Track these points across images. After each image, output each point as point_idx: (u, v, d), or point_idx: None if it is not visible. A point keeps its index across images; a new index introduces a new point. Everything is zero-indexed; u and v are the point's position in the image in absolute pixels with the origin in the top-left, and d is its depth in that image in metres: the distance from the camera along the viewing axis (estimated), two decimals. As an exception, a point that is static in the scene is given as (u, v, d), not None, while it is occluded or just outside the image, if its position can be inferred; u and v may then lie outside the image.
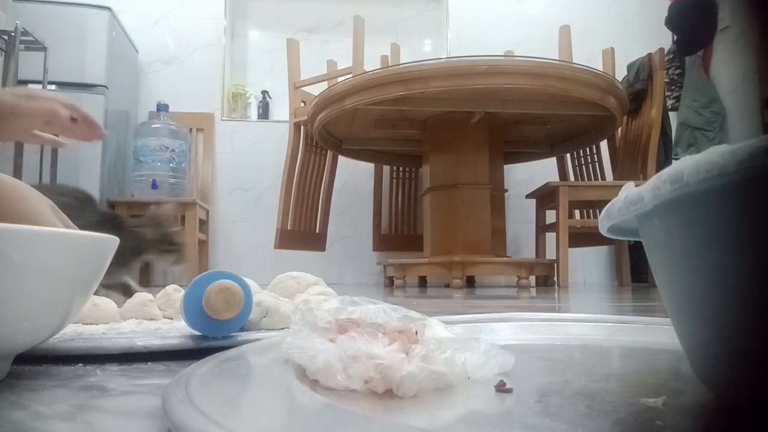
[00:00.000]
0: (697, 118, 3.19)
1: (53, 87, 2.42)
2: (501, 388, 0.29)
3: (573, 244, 2.41)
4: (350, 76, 2.28)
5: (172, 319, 0.63)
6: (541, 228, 2.81)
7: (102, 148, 2.61)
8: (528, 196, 2.82)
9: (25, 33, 2.08)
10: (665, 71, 2.85)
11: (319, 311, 0.35)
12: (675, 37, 3.36)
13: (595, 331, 0.49)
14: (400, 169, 3.12)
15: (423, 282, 2.88)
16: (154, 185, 2.77)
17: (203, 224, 3.00)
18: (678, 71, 3.39)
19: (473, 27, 3.48)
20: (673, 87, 3.39)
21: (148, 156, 2.79)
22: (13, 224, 0.29)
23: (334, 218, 3.01)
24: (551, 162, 2.97)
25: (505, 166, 2.60)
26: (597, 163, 2.82)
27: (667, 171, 0.21)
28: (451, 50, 3.45)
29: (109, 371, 0.39)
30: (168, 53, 3.26)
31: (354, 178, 3.24)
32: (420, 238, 2.71)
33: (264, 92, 3.38)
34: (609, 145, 2.82)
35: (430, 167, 2.46)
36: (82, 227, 1.15)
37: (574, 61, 2.46)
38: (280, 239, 2.62)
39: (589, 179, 2.80)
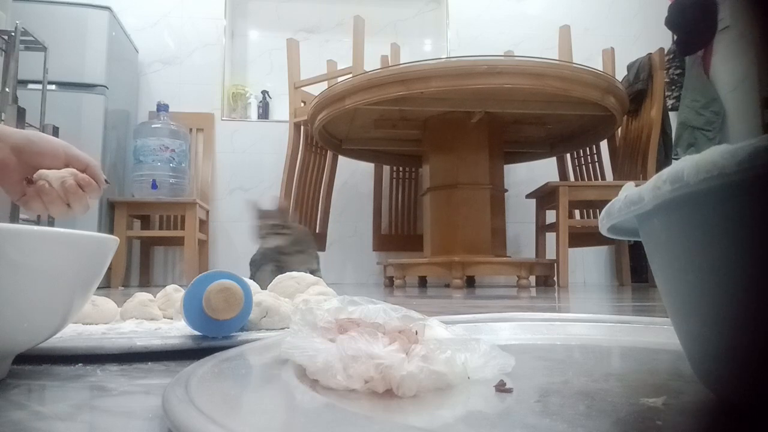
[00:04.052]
0: (697, 118, 3.19)
1: (53, 87, 2.41)
2: (501, 387, 0.29)
3: (573, 244, 2.41)
4: (350, 76, 2.28)
5: (172, 319, 0.63)
6: (541, 228, 2.81)
7: (102, 148, 2.61)
8: (528, 196, 2.82)
9: (25, 33, 2.08)
10: (665, 71, 2.85)
11: (319, 311, 0.35)
12: (675, 37, 3.36)
13: (595, 331, 0.49)
14: (400, 169, 3.12)
15: (423, 282, 2.88)
16: (154, 185, 2.77)
17: (203, 224, 3.00)
18: (678, 71, 3.38)
19: (473, 27, 3.48)
20: (673, 87, 3.39)
21: (148, 156, 2.79)
22: (13, 224, 0.29)
23: (334, 218, 3.01)
24: (551, 162, 2.97)
25: (505, 166, 2.60)
26: (597, 163, 2.82)
27: (667, 171, 0.21)
28: (451, 50, 3.45)
29: (109, 371, 0.39)
30: (168, 53, 3.26)
31: (354, 178, 3.24)
32: (420, 238, 2.71)
33: (264, 92, 3.37)
34: (609, 145, 2.81)
35: (430, 167, 2.46)
36: None
37: (574, 61, 2.46)
38: (280, 239, 2.62)
39: (589, 179, 2.80)
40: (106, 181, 0.65)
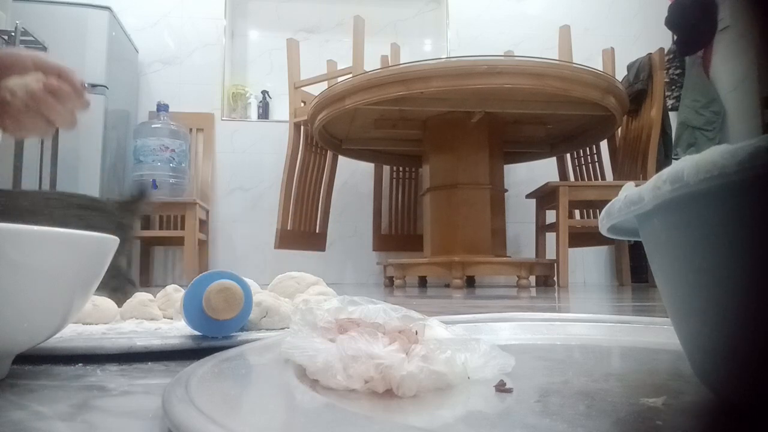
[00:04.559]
0: (697, 118, 3.19)
1: (53, 87, 2.41)
2: (501, 387, 0.29)
3: (573, 244, 2.41)
4: (350, 76, 2.28)
5: (172, 319, 0.63)
6: (541, 228, 2.81)
7: (102, 148, 2.61)
8: (528, 196, 2.82)
9: (25, 33, 2.08)
10: (665, 71, 2.85)
11: (319, 311, 0.35)
12: (675, 37, 3.36)
13: (595, 331, 0.49)
14: (400, 169, 3.12)
15: (423, 282, 2.88)
16: (154, 185, 2.77)
17: (203, 224, 3.00)
18: (678, 71, 3.39)
19: (473, 27, 3.48)
20: (673, 87, 3.39)
21: (148, 156, 2.79)
22: (13, 224, 0.29)
23: (334, 218, 3.01)
24: (551, 162, 2.97)
25: (505, 166, 2.60)
26: (597, 163, 2.82)
27: (667, 171, 0.21)
28: (451, 50, 3.45)
29: (109, 371, 0.39)
30: (168, 53, 3.26)
31: (354, 178, 3.24)
32: (420, 238, 2.71)
33: (264, 92, 3.38)
34: (609, 145, 2.82)
35: (430, 167, 2.46)
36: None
37: (574, 61, 2.46)
38: (280, 239, 2.62)
39: (589, 179, 2.80)
40: (83, 84, 0.59)
